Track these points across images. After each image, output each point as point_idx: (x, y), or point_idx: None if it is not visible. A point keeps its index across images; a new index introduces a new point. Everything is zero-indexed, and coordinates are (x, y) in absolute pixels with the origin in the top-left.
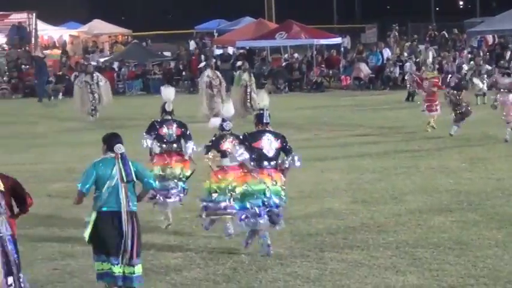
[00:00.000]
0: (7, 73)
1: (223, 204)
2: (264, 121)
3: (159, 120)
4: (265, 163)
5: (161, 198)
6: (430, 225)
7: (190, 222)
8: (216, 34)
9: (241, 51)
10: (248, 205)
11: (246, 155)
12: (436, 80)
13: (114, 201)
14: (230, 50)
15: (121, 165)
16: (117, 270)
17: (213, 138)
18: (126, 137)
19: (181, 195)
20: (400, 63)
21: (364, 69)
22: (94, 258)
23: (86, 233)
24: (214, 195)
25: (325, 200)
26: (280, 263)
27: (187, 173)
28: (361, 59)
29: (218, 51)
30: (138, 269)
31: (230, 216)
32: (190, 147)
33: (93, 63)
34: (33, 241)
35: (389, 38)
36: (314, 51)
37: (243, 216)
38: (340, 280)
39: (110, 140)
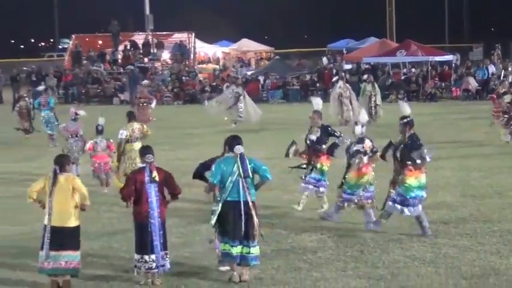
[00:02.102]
0: (170, 83)
1: (361, 195)
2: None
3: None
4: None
5: (315, 188)
6: None
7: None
8: (345, 51)
9: (367, 66)
10: (409, 197)
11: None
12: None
13: (236, 192)
14: (357, 65)
15: (239, 163)
16: (235, 251)
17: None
18: (269, 138)
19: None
20: (504, 78)
21: (472, 83)
22: (220, 240)
23: (213, 220)
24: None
25: (439, 194)
26: (400, 247)
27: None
28: (469, 73)
29: (347, 66)
30: (255, 250)
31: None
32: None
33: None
34: (192, 225)
35: (493, 56)
36: (429, 66)
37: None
38: (452, 263)
39: (231, 142)
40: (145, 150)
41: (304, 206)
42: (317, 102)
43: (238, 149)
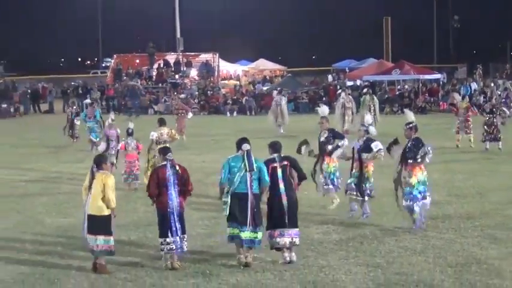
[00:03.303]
0: (197, 97)
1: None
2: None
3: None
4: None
5: (326, 186)
6: (506, 214)
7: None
8: (347, 70)
9: (366, 83)
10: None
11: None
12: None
13: (243, 185)
14: (358, 82)
15: (246, 158)
16: (244, 235)
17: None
18: (284, 143)
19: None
20: (484, 94)
21: (457, 98)
22: (228, 225)
23: (226, 210)
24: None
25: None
26: (395, 239)
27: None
28: (454, 90)
29: (349, 83)
30: (260, 235)
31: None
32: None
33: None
34: (216, 218)
35: (475, 75)
36: (420, 83)
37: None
38: (439, 253)
39: (239, 142)
40: (166, 150)
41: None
42: (323, 110)
43: (245, 146)
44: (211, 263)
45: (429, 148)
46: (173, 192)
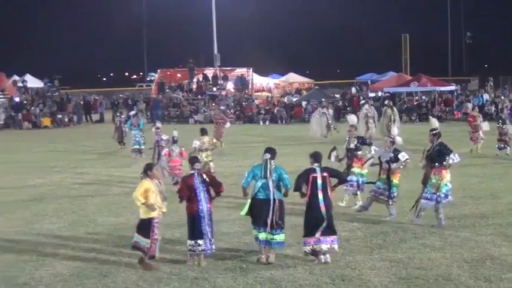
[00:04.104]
0: (233, 107)
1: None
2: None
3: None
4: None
5: (353, 188)
6: None
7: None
8: (369, 83)
9: (387, 94)
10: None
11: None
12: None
13: (263, 192)
14: (379, 93)
15: (263, 166)
16: (261, 236)
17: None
18: (310, 149)
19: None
20: (495, 104)
21: (470, 107)
22: (253, 227)
23: (243, 211)
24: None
25: None
26: (415, 237)
27: (363, 171)
28: (467, 100)
29: (371, 94)
30: (279, 237)
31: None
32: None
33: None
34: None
35: (487, 86)
36: (436, 94)
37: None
38: (456, 249)
39: (264, 152)
40: (194, 160)
41: (346, 202)
42: (352, 118)
43: (265, 155)
44: (248, 259)
45: (456, 155)
46: (203, 198)
